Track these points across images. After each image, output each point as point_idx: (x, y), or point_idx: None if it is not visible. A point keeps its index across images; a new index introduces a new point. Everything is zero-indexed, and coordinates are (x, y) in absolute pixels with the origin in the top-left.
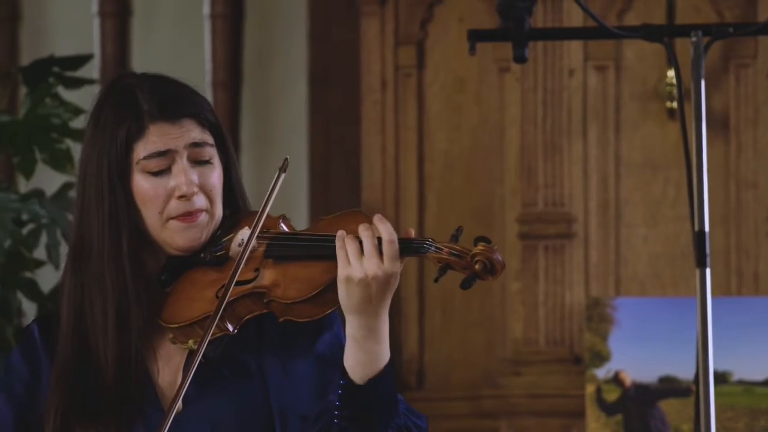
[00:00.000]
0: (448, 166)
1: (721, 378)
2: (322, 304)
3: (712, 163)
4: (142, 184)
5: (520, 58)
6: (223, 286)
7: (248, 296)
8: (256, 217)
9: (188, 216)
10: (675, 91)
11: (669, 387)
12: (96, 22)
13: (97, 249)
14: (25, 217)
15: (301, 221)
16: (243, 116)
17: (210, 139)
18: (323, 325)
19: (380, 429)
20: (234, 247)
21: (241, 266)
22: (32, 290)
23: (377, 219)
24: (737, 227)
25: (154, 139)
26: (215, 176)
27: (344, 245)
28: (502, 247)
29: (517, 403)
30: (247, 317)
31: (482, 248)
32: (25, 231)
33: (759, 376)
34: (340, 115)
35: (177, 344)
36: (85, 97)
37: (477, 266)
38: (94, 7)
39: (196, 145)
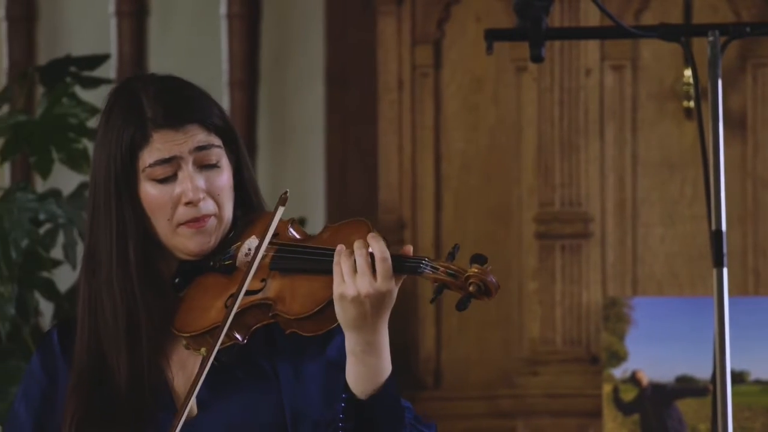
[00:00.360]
0: (465, 166)
1: (738, 377)
2: (325, 320)
3: (729, 162)
4: (149, 191)
5: (537, 58)
6: (231, 295)
7: (256, 307)
8: (259, 242)
9: (196, 222)
10: (692, 91)
11: (686, 387)
12: (113, 22)
13: (106, 257)
14: (42, 216)
15: (317, 221)
16: (260, 116)
17: (216, 141)
18: (334, 329)
19: None
20: (241, 257)
21: (248, 282)
22: (49, 290)
23: (371, 236)
24: (754, 227)
25: (158, 146)
26: (223, 179)
27: (338, 262)
28: (519, 247)
29: (534, 402)
30: (256, 326)
31: (476, 270)
32: (42, 231)
33: None
34: (357, 115)
35: (190, 350)
36: (101, 97)
37: (471, 288)
38: (111, 7)
39: (202, 148)
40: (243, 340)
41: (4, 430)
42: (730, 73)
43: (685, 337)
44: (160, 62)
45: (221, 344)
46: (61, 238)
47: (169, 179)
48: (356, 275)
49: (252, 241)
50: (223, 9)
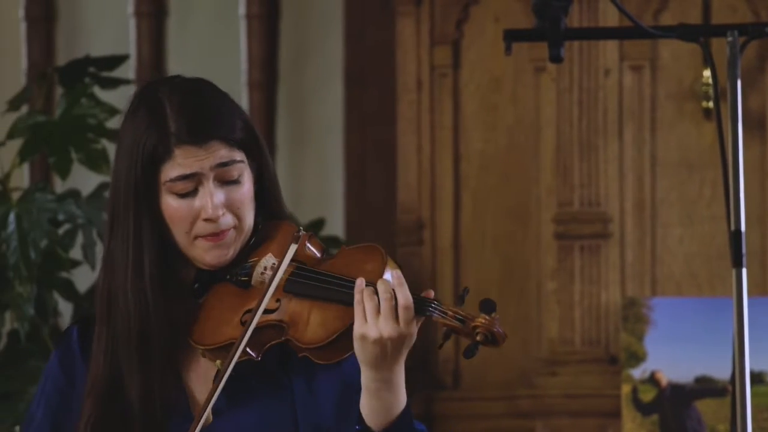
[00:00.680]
0: (483, 166)
1: (757, 378)
2: (337, 351)
3: (748, 162)
4: (169, 204)
5: (555, 58)
6: (248, 311)
7: (271, 327)
8: (275, 271)
9: (215, 236)
10: (711, 91)
11: (705, 387)
12: (132, 23)
13: (121, 263)
14: (61, 217)
15: (336, 222)
16: (279, 116)
17: (239, 156)
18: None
19: None
20: (257, 275)
21: (264, 304)
22: (68, 290)
23: (396, 281)
24: None
25: (180, 162)
26: (243, 192)
27: (361, 301)
28: (537, 247)
29: (552, 403)
30: (270, 344)
31: (483, 321)
32: (61, 231)
33: None
34: (376, 115)
35: (207, 360)
36: (121, 98)
37: (478, 337)
38: (130, 8)
39: (223, 165)
40: (257, 357)
41: (21, 430)
42: (749, 73)
43: (703, 338)
44: (178, 63)
45: (238, 359)
46: (80, 239)
47: (190, 194)
48: (379, 317)
49: (269, 259)
50: (241, 9)
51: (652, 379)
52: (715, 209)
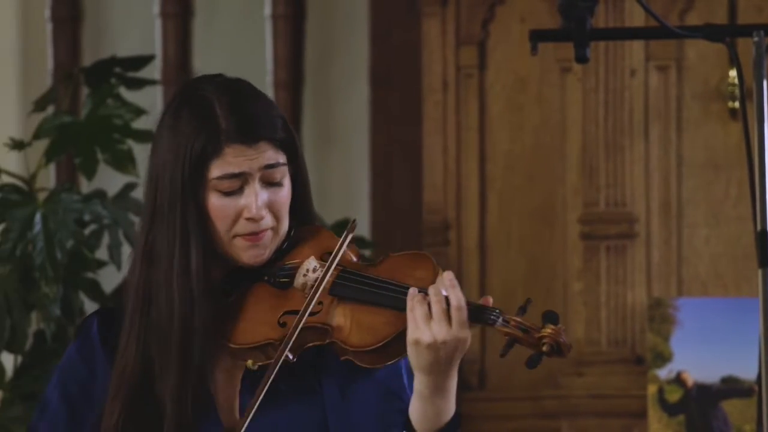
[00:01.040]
0: (509, 167)
1: None
2: (385, 356)
3: None
4: (213, 201)
5: (581, 58)
6: (287, 312)
7: (312, 329)
8: (325, 270)
9: (255, 235)
10: (737, 91)
11: (731, 387)
12: (158, 23)
13: (166, 258)
14: (87, 217)
15: (362, 222)
16: (304, 116)
17: (282, 158)
18: None
19: None
20: (299, 277)
21: (311, 307)
22: (94, 291)
23: (448, 282)
24: None
25: (230, 160)
26: (284, 195)
27: (414, 307)
28: (563, 248)
29: (578, 403)
30: (308, 346)
31: (550, 331)
32: (87, 231)
33: None
34: (402, 116)
35: (236, 360)
36: (146, 98)
37: (544, 348)
38: (156, 8)
39: (270, 167)
40: (293, 358)
41: (33, 418)
42: None
43: (730, 338)
44: (204, 63)
45: (272, 359)
46: (106, 239)
47: (235, 192)
48: (432, 322)
49: (311, 262)
50: (267, 10)
51: (678, 380)
52: (742, 209)
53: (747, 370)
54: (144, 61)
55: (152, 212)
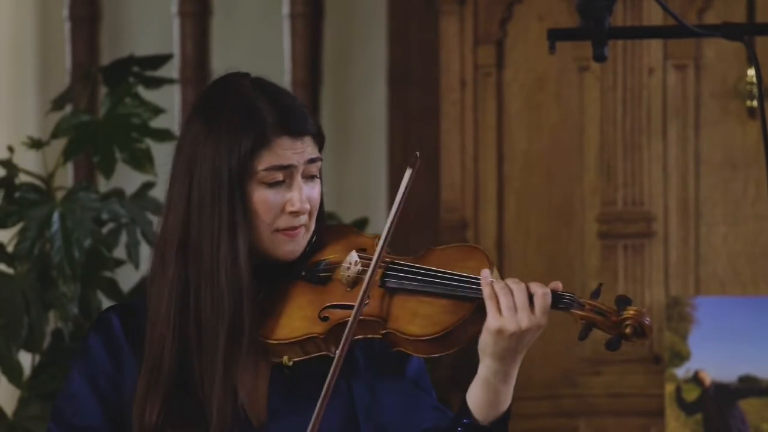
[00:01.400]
0: (527, 166)
1: None
2: (445, 346)
3: None
4: (258, 194)
5: (599, 57)
6: (327, 307)
7: (361, 321)
8: (381, 240)
9: (293, 230)
10: (755, 90)
11: (749, 386)
12: (176, 22)
13: (210, 252)
14: (105, 216)
15: (380, 221)
16: (322, 116)
17: (319, 154)
18: None
19: None
20: (343, 271)
21: (363, 294)
22: (112, 289)
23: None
24: None
25: (278, 152)
26: (318, 190)
27: (494, 295)
28: (581, 247)
29: (596, 402)
30: (356, 339)
31: (633, 312)
32: (105, 230)
33: None
34: (420, 115)
35: (269, 357)
36: (165, 97)
37: (628, 330)
38: (174, 7)
39: (312, 161)
40: (334, 353)
41: (59, 411)
42: None
43: (748, 337)
44: (222, 62)
45: (311, 355)
46: (123, 238)
47: (278, 185)
48: (516, 310)
49: (352, 256)
50: (285, 9)
51: (696, 379)
52: (760, 208)
53: (765, 369)
54: (162, 60)
55: (187, 207)
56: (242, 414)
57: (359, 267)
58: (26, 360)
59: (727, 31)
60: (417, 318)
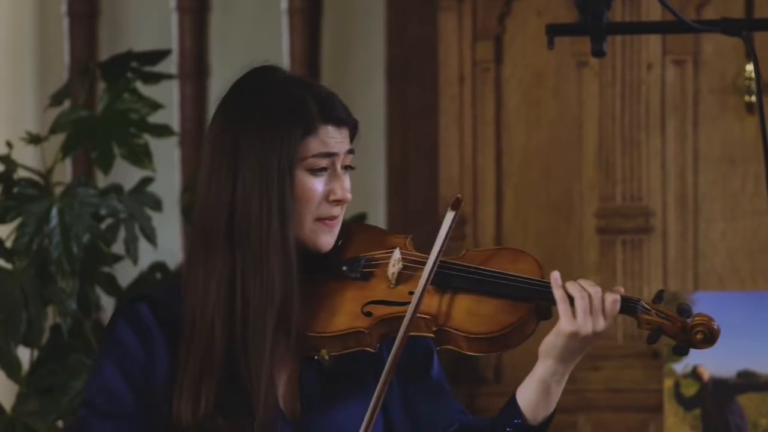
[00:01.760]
0: (526, 161)
1: None
2: (500, 345)
3: None
4: (304, 181)
5: (598, 53)
6: (370, 302)
7: (400, 318)
8: (437, 245)
9: (331, 220)
10: (754, 85)
11: (748, 381)
12: (174, 17)
13: (260, 240)
14: (103, 211)
15: (378, 217)
16: None
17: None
18: (431, 348)
19: None
20: (391, 267)
21: (422, 294)
22: (110, 285)
23: (585, 281)
24: None
25: (324, 140)
26: (349, 182)
27: (566, 298)
28: (580, 242)
29: (594, 397)
30: (388, 336)
31: (704, 319)
32: (103, 226)
33: None
34: (418, 110)
35: (307, 350)
36: (163, 93)
37: (698, 336)
38: (172, 3)
39: (350, 152)
40: (374, 349)
41: (90, 399)
42: None
43: (746, 332)
44: (220, 57)
45: (348, 350)
46: (122, 233)
47: (321, 173)
48: (592, 314)
49: (396, 253)
50: (284, 4)
51: (695, 374)
52: (758, 203)
53: (763, 364)
54: (160, 55)
55: (232, 196)
56: (278, 410)
57: (401, 265)
58: (25, 355)
59: (725, 26)
60: (475, 316)
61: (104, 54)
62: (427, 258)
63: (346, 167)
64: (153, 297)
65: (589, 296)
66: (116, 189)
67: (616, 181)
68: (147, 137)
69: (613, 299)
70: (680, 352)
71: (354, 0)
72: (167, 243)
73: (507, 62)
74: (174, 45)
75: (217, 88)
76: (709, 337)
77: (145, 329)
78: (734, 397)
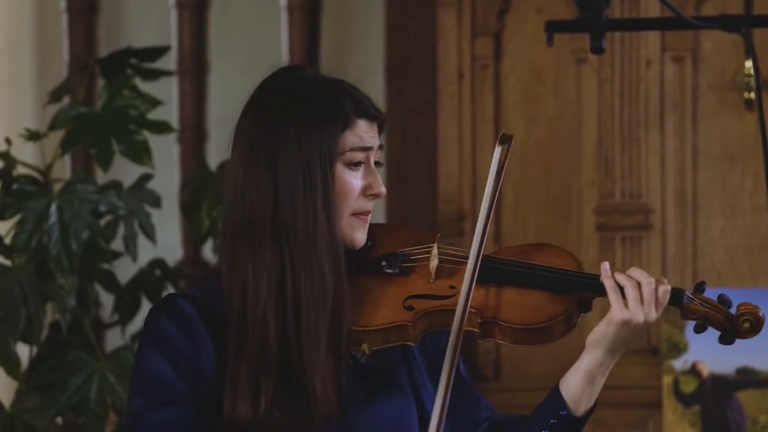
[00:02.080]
0: (525, 158)
1: None
2: (545, 337)
3: None
4: (342, 175)
5: (597, 49)
6: (410, 297)
7: (441, 312)
8: (480, 227)
9: (365, 215)
10: (753, 82)
11: (746, 378)
12: (173, 14)
13: (308, 234)
14: (102, 208)
15: (377, 211)
16: None
17: None
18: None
19: None
20: (432, 261)
21: (470, 286)
22: (110, 281)
23: (636, 271)
24: None
25: (360, 134)
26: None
27: (617, 287)
28: (579, 239)
29: None
30: (429, 330)
31: (748, 308)
32: (102, 222)
33: None
34: (417, 107)
35: (349, 345)
36: (162, 89)
37: (746, 325)
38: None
39: (381, 147)
40: (415, 342)
41: (141, 389)
42: None
43: None
44: (220, 54)
45: (390, 344)
46: (121, 230)
47: (357, 168)
48: (643, 304)
49: (435, 248)
50: (283, 1)
51: (694, 371)
52: (757, 200)
53: (762, 361)
54: (160, 51)
55: (275, 192)
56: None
57: (437, 260)
58: (24, 352)
59: (724, 22)
60: (521, 308)
61: (103, 51)
62: (464, 253)
63: (378, 163)
64: (190, 294)
65: (640, 285)
66: (115, 186)
67: (615, 178)
68: (146, 134)
69: (664, 289)
70: (726, 341)
71: None
72: (166, 240)
73: (506, 59)
74: (173, 41)
75: (217, 84)
76: (756, 326)
77: (188, 323)
78: (733, 393)
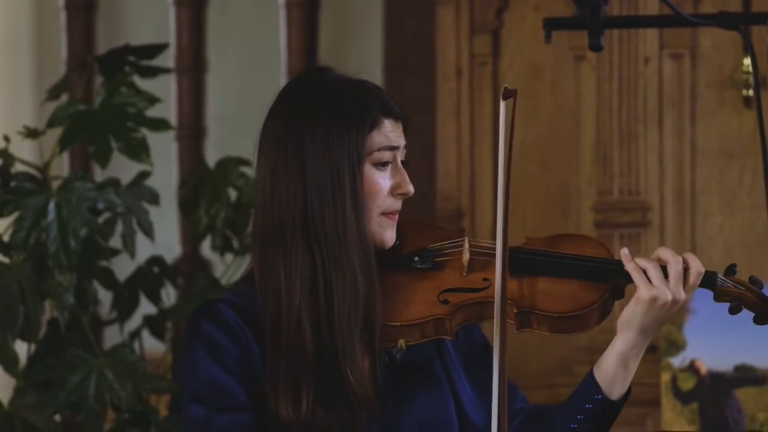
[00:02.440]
0: (523, 155)
1: None
2: (581, 325)
3: None
4: (371, 175)
5: (595, 47)
6: (445, 291)
7: (477, 304)
8: (498, 220)
9: (394, 214)
10: (751, 79)
11: (745, 375)
12: (172, 11)
13: (339, 235)
14: (100, 205)
15: None
16: None
17: None
18: (484, 335)
19: None
20: (465, 255)
21: (503, 276)
22: (108, 279)
23: (668, 251)
24: None
25: (387, 134)
26: None
27: (639, 268)
28: None
29: None
30: (465, 323)
31: None
32: (100, 220)
33: None
34: (416, 104)
35: (383, 341)
36: (160, 87)
37: None
38: None
39: (406, 146)
40: (452, 336)
41: (196, 394)
42: None
43: (743, 326)
44: (218, 51)
45: (426, 338)
46: (119, 227)
47: (384, 168)
48: (670, 282)
49: (466, 243)
50: None
51: (692, 368)
52: (756, 197)
53: (761, 359)
54: (158, 49)
55: (304, 194)
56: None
57: (469, 253)
58: (22, 349)
59: (723, 20)
60: (556, 297)
61: (102, 48)
62: (493, 246)
63: (404, 162)
64: (227, 298)
65: (668, 263)
66: (113, 183)
67: (613, 175)
68: (144, 131)
69: (697, 271)
70: (761, 321)
71: None
72: (164, 237)
73: (504, 56)
74: (171, 39)
75: (215, 82)
76: None
77: (232, 328)
78: (732, 391)
